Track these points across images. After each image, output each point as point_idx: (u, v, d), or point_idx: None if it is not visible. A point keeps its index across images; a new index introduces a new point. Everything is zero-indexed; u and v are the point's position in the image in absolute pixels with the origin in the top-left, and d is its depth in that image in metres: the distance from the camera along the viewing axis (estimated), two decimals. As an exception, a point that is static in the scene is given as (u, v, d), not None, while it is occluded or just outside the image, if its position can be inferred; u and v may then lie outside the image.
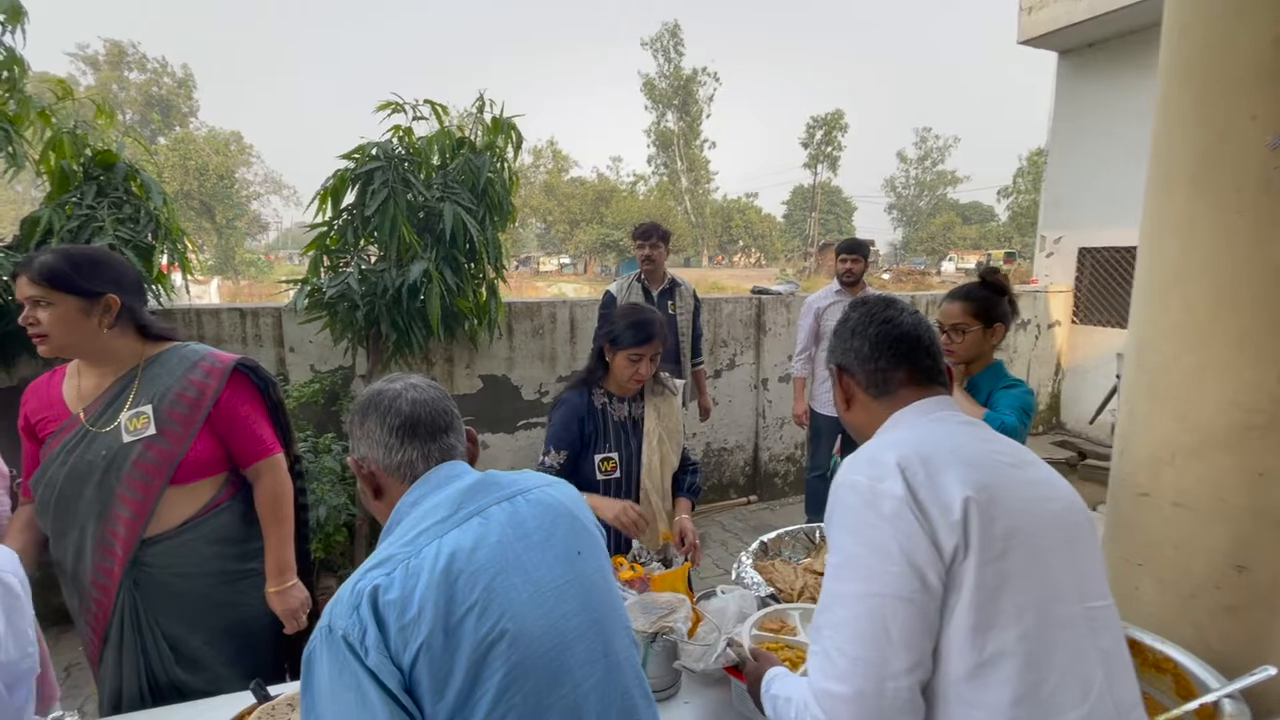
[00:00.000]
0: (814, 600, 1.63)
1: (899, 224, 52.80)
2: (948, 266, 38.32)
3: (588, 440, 1.81)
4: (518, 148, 3.43)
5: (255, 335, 3.19)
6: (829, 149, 43.57)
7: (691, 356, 3.51)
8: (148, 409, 1.37)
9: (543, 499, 0.91)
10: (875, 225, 62.38)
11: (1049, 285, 5.88)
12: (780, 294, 4.47)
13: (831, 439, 3.71)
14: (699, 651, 1.41)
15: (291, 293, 2.94)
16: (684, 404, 3.51)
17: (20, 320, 1.32)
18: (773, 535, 2.07)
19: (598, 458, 1.81)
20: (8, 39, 2.63)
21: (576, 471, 1.83)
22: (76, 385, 1.42)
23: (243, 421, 1.47)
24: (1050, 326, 5.74)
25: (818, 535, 2.12)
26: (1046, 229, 6.05)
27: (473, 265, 3.25)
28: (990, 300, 1.85)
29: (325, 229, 3.01)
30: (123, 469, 1.36)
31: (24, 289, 1.30)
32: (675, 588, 1.62)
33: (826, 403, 3.59)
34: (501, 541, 0.82)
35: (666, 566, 1.81)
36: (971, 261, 36.88)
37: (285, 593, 1.51)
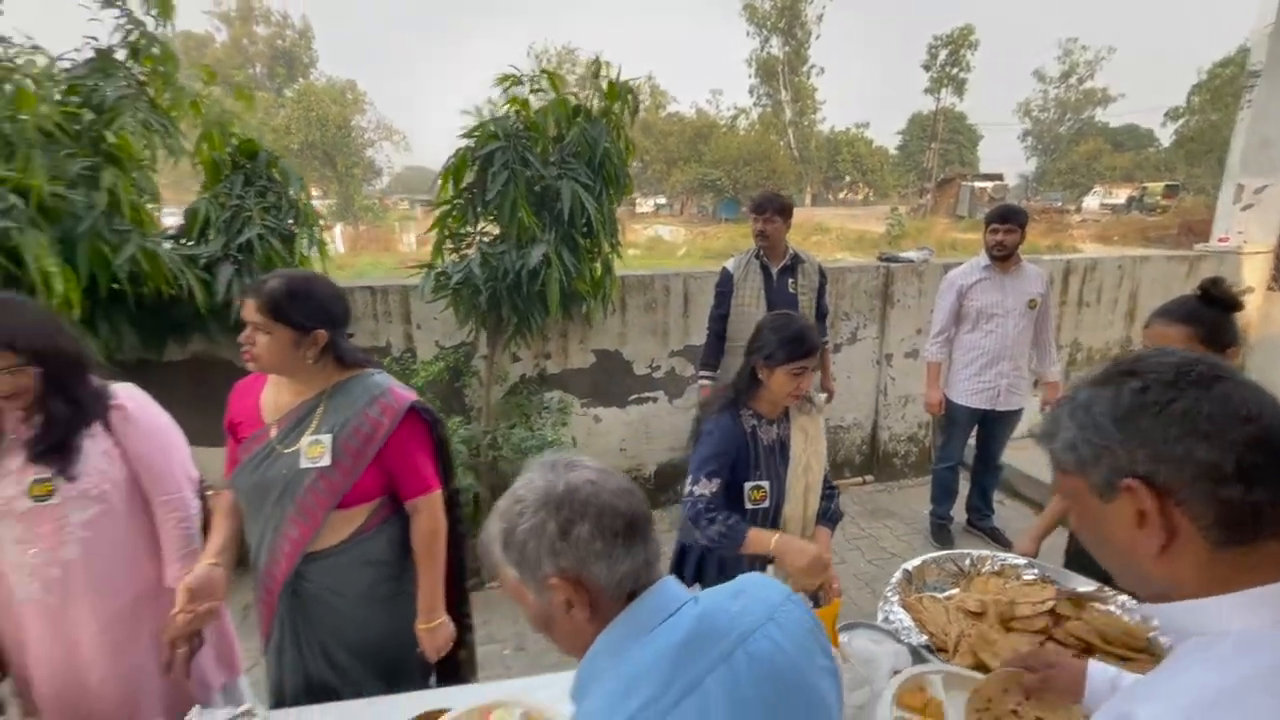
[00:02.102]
0: (973, 655, 1.49)
1: (1033, 153, 47.05)
2: (1090, 202, 33.68)
3: (738, 468, 1.71)
4: (634, 113, 3.24)
5: (385, 312, 3.33)
6: (954, 70, 38.97)
7: None
8: (326, 439, 1.43)
9: (767, 655, 0.74)
10: (1004, 155, 56.03)
11: (1242, 244, 4.97)
12: (912, 262, 4.06)
13: (967, 430, 3.41)
14: (850, 714, 1.33)
15: (418, 278, 3.01)
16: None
17: (241, 338, 1.40)
18: (917, 562, 1.91)
19: (748, 486, 1.70)
20: (160, 32, 2.75)
21: (725, 501, 1.74)
22: (274, 398, 1.51)
23: (409, 459, 1.51)
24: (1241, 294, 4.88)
25: (967, 562, 1.94)
26: (1246, 175, 5.05)
27: (588, 241, 3.17)
28: (1219, 322, 1.52)
29: (448, 208, 3.03)
30: (295, 494, 1.44)
31: (249, 312, 1.37)
32: (821, 633, 1.51)
33: (964, 392, 3.27)
34: None
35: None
36: (1122, 195, 32.22)
37: (433, 631, 1.57)
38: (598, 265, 3.28)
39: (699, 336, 3.80)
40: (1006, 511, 3.83)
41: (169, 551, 1.63)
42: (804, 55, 41.01)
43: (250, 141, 2.82)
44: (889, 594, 1.74)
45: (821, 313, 3.27)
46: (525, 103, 3.01)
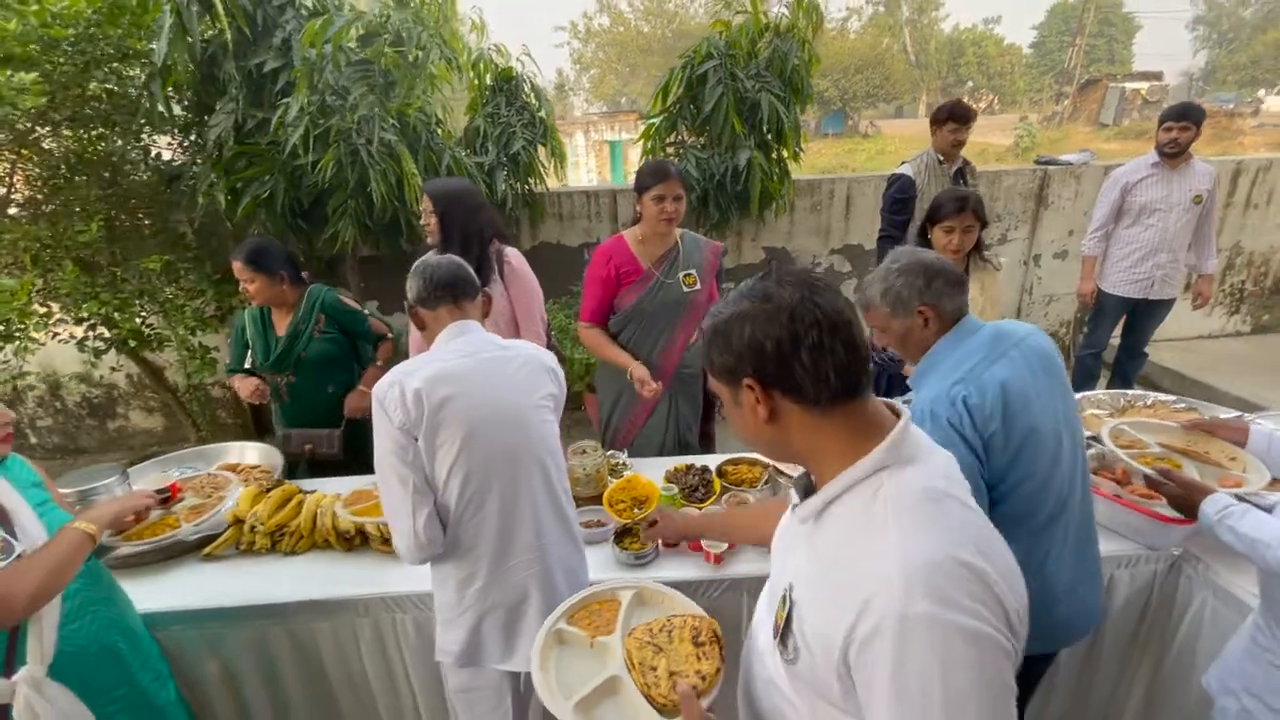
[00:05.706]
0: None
1: (1205, 44, 40.34)
2: (1275, 101, 28.87)
3: None
4: (817, 28, 3.61)
5: (595, 212, 4.02)
6: (1114, -53, 33.52)
7: None
8: (694, 271, 2.19)
9: (1035, 346, 1.35)
10: (1166, 49, 47.98)
11: None
12: (1071, 164, 4.23)
13: (1114, 319, 3.72)
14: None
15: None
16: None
17: (661, 215, 2.10)
18: (1076, 397, 2.41)
19: None
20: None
21: None
22: (644, 250, 2.23)
23: (718, 283, 2.26)
24: None
25: (1122, 401, 2.41)
26: None
27: (776, 148, 3.66)
28: None
29: (655, 122, 3.60)
30: (684, 306, 2.20)
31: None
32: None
33: (1118, 282, 3.56)
34: (1023, 376, 1.29)
35: None
36: (1316, 94, 27.31)
37: None
38: (777, 169, 3.78)
39: (858, 237, 4.25)
40: (1144, 400, 4.14)
41: None
42: (929, -59, 36.60)
43: (509, 69, 3.49)
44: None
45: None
46: (727, 24, 3.46)
